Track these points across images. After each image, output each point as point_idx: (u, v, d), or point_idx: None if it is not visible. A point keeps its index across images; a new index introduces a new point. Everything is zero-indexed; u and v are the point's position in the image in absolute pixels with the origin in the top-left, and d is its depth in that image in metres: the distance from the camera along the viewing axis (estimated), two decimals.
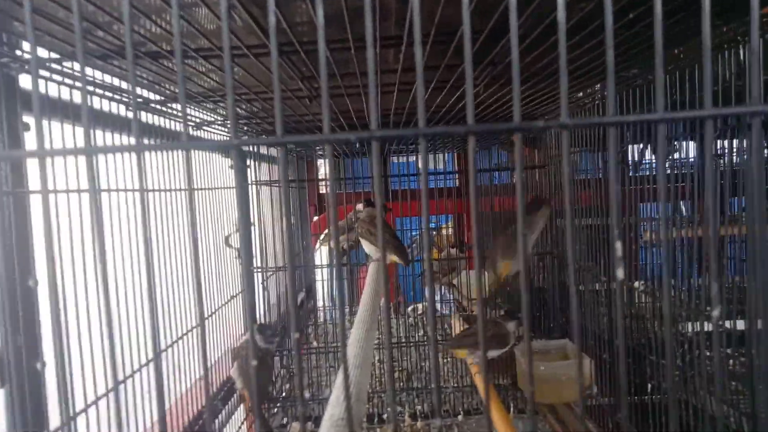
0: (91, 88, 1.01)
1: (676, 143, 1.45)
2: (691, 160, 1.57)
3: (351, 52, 0.82)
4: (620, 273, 0.39)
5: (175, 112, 1.30)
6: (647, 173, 1.76)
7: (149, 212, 1.21)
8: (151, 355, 1.24)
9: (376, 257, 1.81)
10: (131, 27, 0.69)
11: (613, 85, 0.38)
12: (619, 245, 0.39)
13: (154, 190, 1.20)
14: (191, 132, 1.59)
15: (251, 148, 2.03)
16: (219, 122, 1.60)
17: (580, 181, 1.85)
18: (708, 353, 1.15)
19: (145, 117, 1.28)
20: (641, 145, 1.91)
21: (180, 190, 1.33)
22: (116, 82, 1.05)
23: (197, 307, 0.45)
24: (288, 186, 2.07)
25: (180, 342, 1.34)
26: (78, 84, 0.98)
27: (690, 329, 1.30)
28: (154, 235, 1.25)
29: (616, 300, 0.39)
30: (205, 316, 1.56)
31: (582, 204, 1.79)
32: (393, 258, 1.80)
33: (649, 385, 1.41)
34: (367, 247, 1.84)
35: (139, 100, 1.19)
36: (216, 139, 1.79)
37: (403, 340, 2.26)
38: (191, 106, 1.30)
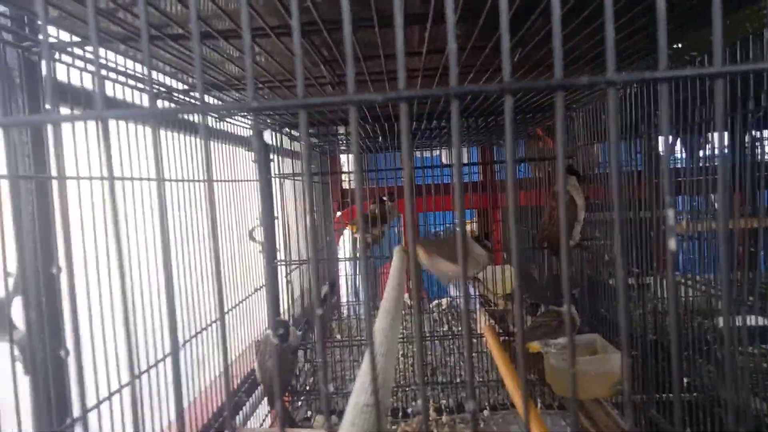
0: (114, 75, 1.01)
1: (709, 135, 1.39)
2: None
3: (375, 30, 0.79)
4: (672, 244, 0.36)
5: (197, 103, 1.29)
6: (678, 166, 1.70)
7: (168, 201, 1.20)
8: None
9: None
10: (155, 7, 0.67)
11: (665, 34, 0.35)
12: (671, 213, 0.36)
13: (172, 180, 1.18)
14: (214, 124, 1.59)
15: (274, 142, 2.02)
16: (243, 114, 1.59)
17: (603, 175, 1.80)
18: (751, 349, 1.10)
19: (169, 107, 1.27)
20: (671, 138, 1.84)
21: (197, 181, 1.33)
22: (140, 69, 1.04)
23: (217, 299, 0.43)
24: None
25: (204, 333, 1.33)
26: (103, 71, 0.97)
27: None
28: (180, 227, 1.24)
29: (668, 276, 0.36)
30: (228, 308, 1.56)
31: (606, 198, 1.74)
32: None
33: (685, 381, 1.35)
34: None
35: (163, 89, 1.18)
36: (239, 132, 1.78)
37: (427, 335, 2.23)
38: (214, 96, 1.29)
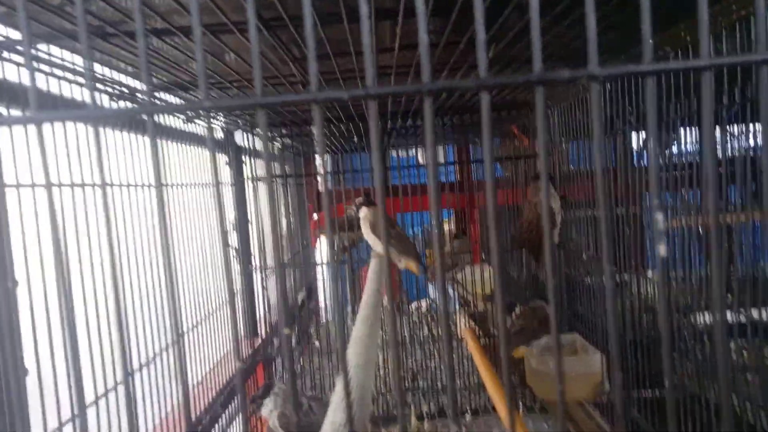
0: (71, 76, 0.96)
1: (681, 131, 1.39)
2: (690, 148, 1.52)
3: (344, 26, 0.76)
4: (662, 250, 0.33)
5: (160, 104, 1.24)
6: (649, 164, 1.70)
7: (135, 209, 1.15)
8: (140, 364, 1.18)
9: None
10: (108, 3, 0.62)
11: (649, 24, 0.32)
12: (660, 216, 0.33)
13: (117, 185, 1.11)
14: (182, 126, 1.53)
15: (246, 144, 1.97)
16: (211, 115, 1.54)
17: (576, 172, 1.79)
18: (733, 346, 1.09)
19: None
20: (644, 135, 1.85)
21: (163, 185, 1.27)
22: (101, 70, 0.99)
23: (172, 318, 0.39)
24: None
25: (173, 348, 1.28)
26: (58, 72, 0.92)
27: (705, 320, 1.25)
28: (142, 235, 1.19)
29: (659, 285, 0.34)
30: (199, 320, 1.50)
31: (581, 196, 1.73)
32: (409, 265, 1.74)
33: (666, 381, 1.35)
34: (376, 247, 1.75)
35: (125, 90, 1.13)
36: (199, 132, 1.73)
37: (407, 338, 2.20)
38: (180, 96, 1.24)
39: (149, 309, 1.15)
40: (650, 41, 0.32)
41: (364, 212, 1.80)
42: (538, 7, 0.33)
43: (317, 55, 0.95)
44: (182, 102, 1.31)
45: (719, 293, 0.34)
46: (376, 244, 1.72)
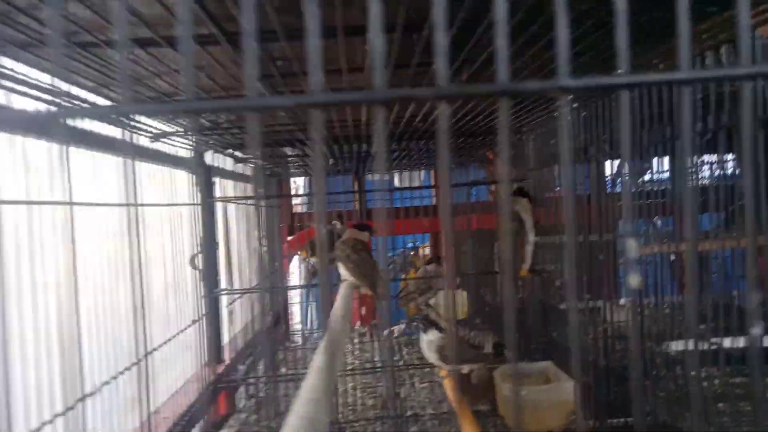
0: (21, 88, 0.90)
1: (654, 160, 1.40)
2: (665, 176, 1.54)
3: (335, 40, 0.73)
4: (635, 281, 0.30)
5: (125, 120, 1.19)
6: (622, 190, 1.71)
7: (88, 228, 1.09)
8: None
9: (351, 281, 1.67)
10: (58, 12, 0.58)
11: (625, 32, 0.30)
12: (633, 243, 0.30)
13: (82, 204, 1.05)
14: (148, 144, 1.48)
15: (216, 163, 1.92)
16: (180, 133, 1.49)
17: (552, 198, 1.78)
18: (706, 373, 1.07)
19: (91, 126, 1.16)
20: (618, 162, 1.86)
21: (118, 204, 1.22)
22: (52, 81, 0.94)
23: (136, 337, 0.35)
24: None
25: (130, 373, 1.20)
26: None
27: (675, 348, 1.25)
28: (101, 256, 1.13)
29: (631, 315, 0.30)
30: (159, 344, 1.43)
31: (553, 221, 1.73)
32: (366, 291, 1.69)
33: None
34: (344, 273, 1.68)
35: (85, 105, 1.08)
36: (177, 152, 1.68)
37: (379, 364, 2.14)
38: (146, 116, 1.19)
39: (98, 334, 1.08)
40: (625, 51, 0.30)
41: (346, 233, 1.73)
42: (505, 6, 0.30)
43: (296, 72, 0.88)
44: (149, 126, 1.26)
45: (694, 319, 0.31)
46: (341, 270, 1.67)
